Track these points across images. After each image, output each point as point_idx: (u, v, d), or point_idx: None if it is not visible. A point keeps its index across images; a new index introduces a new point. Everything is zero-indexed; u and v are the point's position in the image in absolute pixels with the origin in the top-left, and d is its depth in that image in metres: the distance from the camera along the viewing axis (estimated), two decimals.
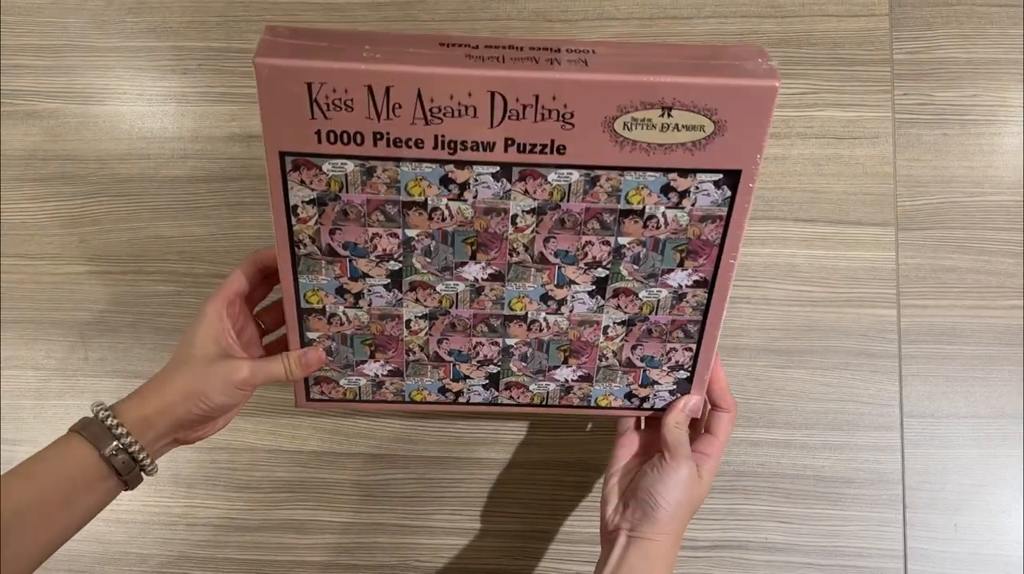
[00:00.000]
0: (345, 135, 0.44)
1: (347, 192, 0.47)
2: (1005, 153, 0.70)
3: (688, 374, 0.56)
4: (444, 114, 0.44)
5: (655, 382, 0.56)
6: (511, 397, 0.55)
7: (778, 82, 0.42)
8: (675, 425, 0.56)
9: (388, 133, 0.44)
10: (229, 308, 0.53)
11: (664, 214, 0.46)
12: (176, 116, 0.73)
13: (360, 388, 0.55)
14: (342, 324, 0.52)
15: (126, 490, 0.52)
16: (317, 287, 0.51)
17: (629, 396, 0.57)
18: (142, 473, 0.51)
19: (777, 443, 0.69)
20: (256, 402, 0.71)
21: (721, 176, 0.45)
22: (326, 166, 0.46)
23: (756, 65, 0.43)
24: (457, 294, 0.49)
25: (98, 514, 0.51)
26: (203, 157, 0.73)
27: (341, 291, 0.51)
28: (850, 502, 0.69)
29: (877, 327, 0.69)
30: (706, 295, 0.50)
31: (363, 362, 0.54)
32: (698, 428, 0.59)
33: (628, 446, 0.60)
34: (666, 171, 0.45)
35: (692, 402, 0.58)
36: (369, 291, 0.50)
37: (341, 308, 0.51)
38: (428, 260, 0.48)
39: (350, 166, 0.46)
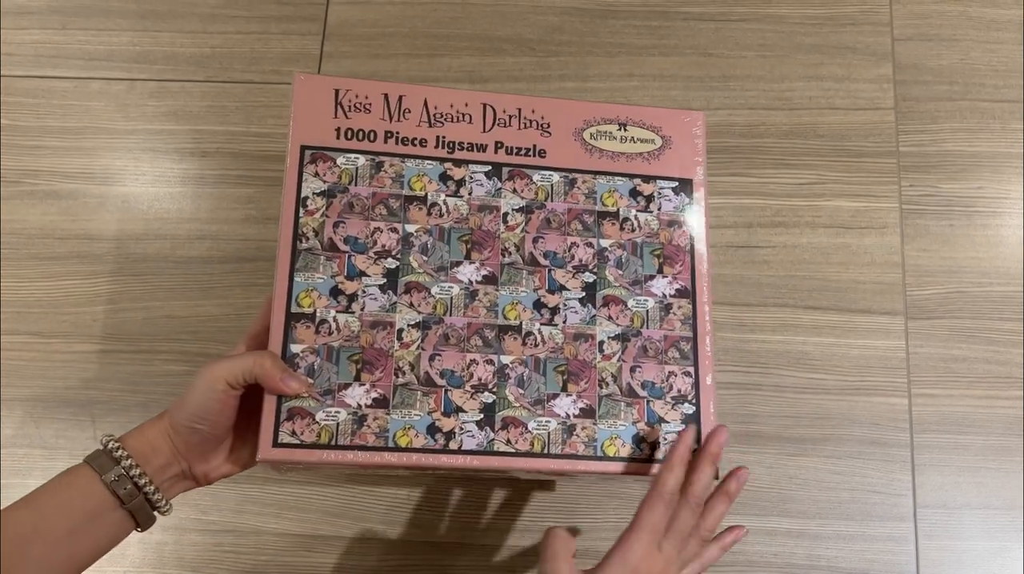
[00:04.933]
0: (361, 132, 0.54)
1: (356, 185, 0.53)
2: (1010, 245, 0.71)
3: (694, 408, 0.53)
4: (445, 119, 0.55)
5: (662, 419, 0.53)
6: (508, 440, 0.50)
7: (702, 113, 0.58)
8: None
9: (397, 132, 0.55)
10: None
11: (636, 217, 0.55)
12: (193, 198, 0.74)
13: (338, 426, 0.49)
14: (330, 333, 0.51)
15: (139, 530, 0.51)
16: (311, 287, 0.52)
17: (638, 441, 0.52)
18: (154, 510, 0.51)
19: (790, 533, 0.68)
20: (261, 483, 0.70)
21: (676, 183, 0.56)
22: (340, 159, 0.54)
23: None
24: (451, 298, 0.52)
25: (111, 548, 0.50)
26: (219, 238, 0.74)
27: (335, 292, 0.52)
28: None
29: (889, 416, 0.69)
30: (690, 307, 0.55)
31: (347, 386, 0.50)
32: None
33: None
34: (631, 176, 0.55)
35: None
36: (364, 292, 0.52)
37: (332, 313, 0.51)
38: (424, 258, 0.53)
39: (361, 160, 0.54)
